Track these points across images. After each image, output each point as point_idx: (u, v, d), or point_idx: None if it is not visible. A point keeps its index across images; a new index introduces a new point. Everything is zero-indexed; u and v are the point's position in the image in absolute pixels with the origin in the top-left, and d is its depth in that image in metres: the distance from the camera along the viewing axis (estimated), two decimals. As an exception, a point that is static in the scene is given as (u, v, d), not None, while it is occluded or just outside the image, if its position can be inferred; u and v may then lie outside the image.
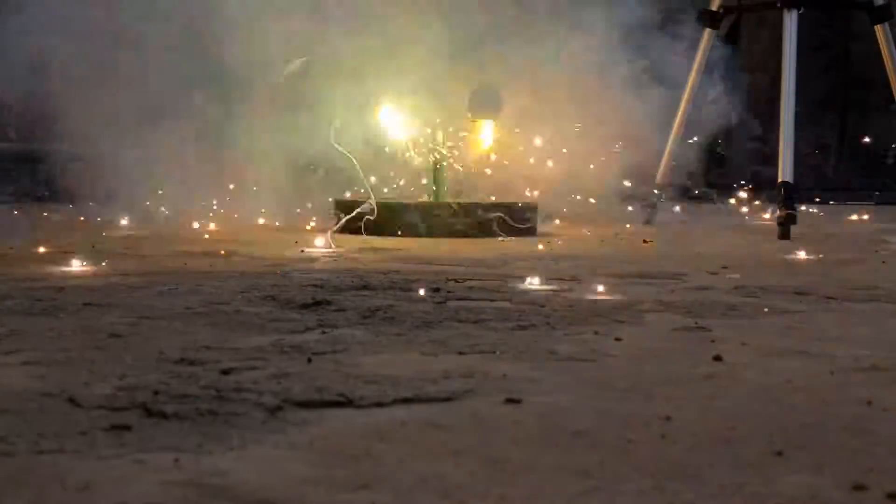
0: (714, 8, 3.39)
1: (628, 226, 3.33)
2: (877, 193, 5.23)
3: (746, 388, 0.98)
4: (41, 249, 2.17)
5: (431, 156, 2.99)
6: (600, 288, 1.64)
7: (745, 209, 4.02)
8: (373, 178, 2.96)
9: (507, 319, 1.33)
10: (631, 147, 3.39)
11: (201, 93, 3.06)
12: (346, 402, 0.88)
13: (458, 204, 2.86)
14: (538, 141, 3.26)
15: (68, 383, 0.93)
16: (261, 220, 3.21)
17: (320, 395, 0.90)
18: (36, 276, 1.74)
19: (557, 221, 3.32)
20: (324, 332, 1.22)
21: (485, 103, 2.97)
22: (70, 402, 0.86)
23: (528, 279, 1.70)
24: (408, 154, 2.98)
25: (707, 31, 3.39)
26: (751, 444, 0.77)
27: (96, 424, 0.80)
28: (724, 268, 2.03)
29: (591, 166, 3.39)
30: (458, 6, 3.06)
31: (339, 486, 0.67)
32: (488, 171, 3.19)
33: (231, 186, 3.25)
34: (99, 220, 3.05)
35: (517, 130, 3.19)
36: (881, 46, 3.18)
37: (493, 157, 3.12)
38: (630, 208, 3.57)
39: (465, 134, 3.02)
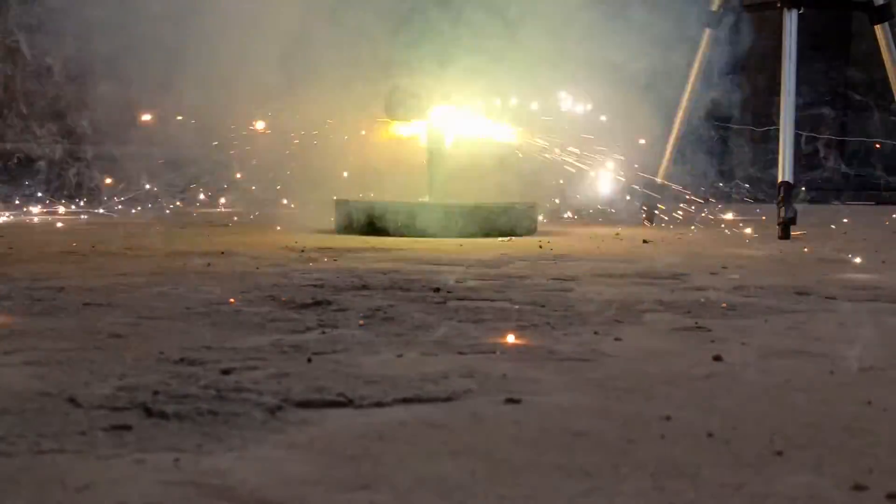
0: (714, 8, 3.39)
1: (626, 226, 3.33)
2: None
3: (746, 388, 0.98)
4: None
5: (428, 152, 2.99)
6: (600, 288, 1.64)
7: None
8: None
9: (507, 319, 1.33)
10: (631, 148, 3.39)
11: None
12: (346, 402, 0.88)
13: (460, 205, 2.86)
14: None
15: (68, 383, 0.93)
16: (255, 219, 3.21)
17: (320, 395, 0.90)
18: (36, 275, 1.73)
19: (542, 218, 3.32)
20: (324, 332, 1.22)
21: (403, 104, 2.97)
22: (70, 402, 0.86)
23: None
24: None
25: (707, 31, 3.39)
26: (751, 444, 0.77)
27: (96, 424, 0.80)
28: (724, 268, 2.03)
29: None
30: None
31: (339, 486, 0.67)
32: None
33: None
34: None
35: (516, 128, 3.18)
36: (881, 46, 3.18)
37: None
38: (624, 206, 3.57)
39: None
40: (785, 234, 2.87)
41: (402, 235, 2.77)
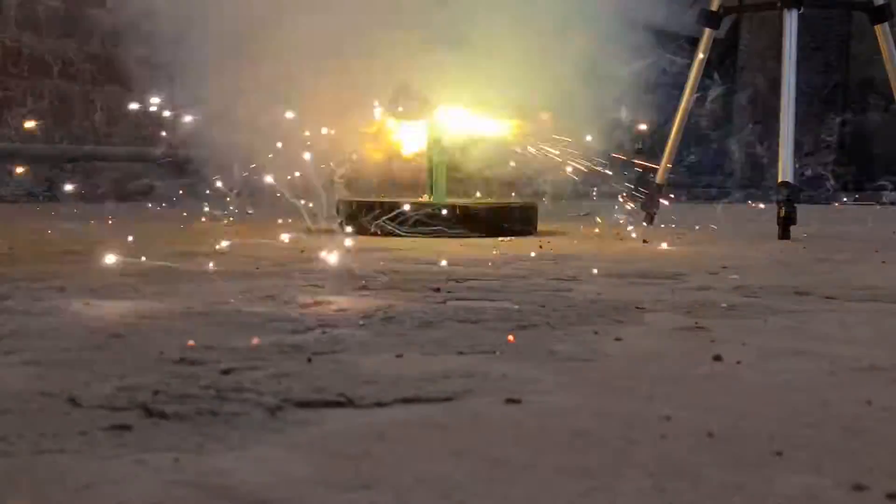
0: (714, 8, 3.39)
1: (625, 225, 3.33)
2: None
3: (746, 388, 0.98)
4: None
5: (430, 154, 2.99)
6: (600, 288, 1.64)
7: None
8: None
9: (507, 319, 1.33)
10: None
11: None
12: (346, 402, 0.88)
13: (457, 204, 2.86)
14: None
15: (68, 383, 0.93)
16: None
17: (320, 395, 0.90)
18: (36, 276, 1.73)
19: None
20: (324, 332, 1.22)
21: (409, 103, 2.96)
22: (70, 402, 0.86)
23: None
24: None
25: (707, 31, 3.39)
26: (751, 444, 0.77)
27: (96, 424, 0.80)
28: (724, 268, 2.03)
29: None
30: None
31: (339, 486, 0.67)
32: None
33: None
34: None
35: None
36: (881, 46, 3.18)
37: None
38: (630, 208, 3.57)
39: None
40: (784, 235, 2.87)
41: (402, 235, 2.77)
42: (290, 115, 2.99)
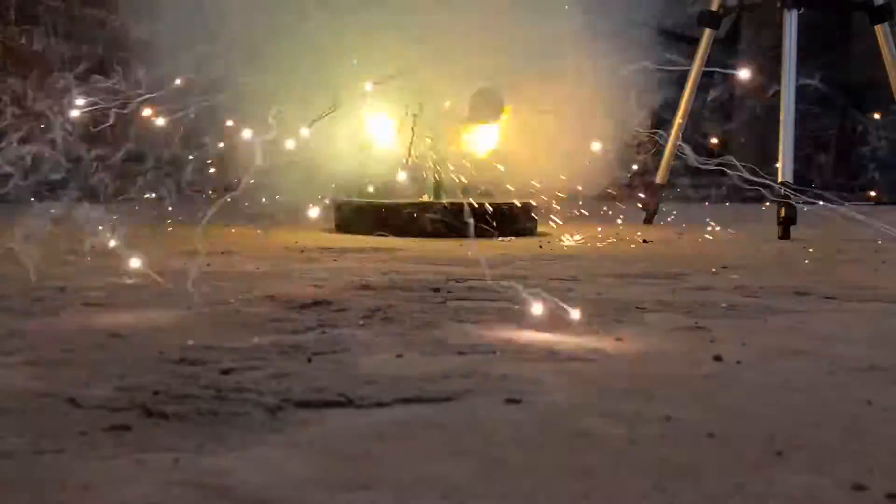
0: (714, 8, 3.39)
1: (626, 225, 3.33)
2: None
3: (746, 388, 0.98)
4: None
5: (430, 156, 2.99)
6: (600, 288, 1.64)
7: None
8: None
9: (507, 319, 1.33)
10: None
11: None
12: (346, 402, 0.88)
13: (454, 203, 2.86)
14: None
15: (68, 383, 0.93)
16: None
17: (320, 395, 0.90)
18: (36, 275, 1.73)
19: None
20: (324, 332, 1.22)
21: (486, 106, 2.96)
22: (70, 402, 0.86)
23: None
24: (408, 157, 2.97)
25: (707, 31, 3.39)
26: (751, 444, 0.77)
27: (96, 424, 0.80)
28: (724, 268, 2.03)
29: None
30: None
31: (339, 486, 0.67)
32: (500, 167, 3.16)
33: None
34: None
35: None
36: (881, 46, 3.18)
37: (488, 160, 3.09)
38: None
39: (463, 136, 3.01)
40: (784, 235, 2.87)
41: (402, 235, 2.77)
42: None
